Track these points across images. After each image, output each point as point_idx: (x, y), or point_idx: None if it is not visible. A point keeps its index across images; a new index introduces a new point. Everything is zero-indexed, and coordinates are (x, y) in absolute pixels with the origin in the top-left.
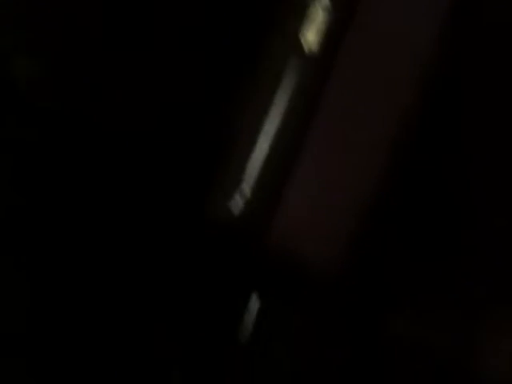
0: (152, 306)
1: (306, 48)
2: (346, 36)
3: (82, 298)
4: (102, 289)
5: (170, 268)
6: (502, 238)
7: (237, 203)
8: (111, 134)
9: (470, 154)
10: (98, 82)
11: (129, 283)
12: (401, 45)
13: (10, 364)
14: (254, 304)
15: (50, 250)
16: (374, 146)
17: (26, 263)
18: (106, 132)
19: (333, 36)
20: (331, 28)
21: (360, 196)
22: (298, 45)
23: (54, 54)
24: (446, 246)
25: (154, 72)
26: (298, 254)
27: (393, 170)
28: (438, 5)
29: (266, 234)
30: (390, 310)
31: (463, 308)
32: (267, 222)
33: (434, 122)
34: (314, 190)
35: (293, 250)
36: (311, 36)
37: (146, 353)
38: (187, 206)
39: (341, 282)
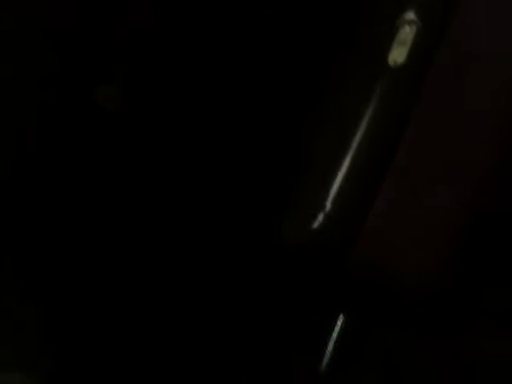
0: (232, 330)
1: (392, 64)
2: (435, 53)
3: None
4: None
5: (249, 290)
6: None
7: (319, 220)
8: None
9: None
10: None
11: (205, 305)
12: (492, 65)
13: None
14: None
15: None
16: (467, 165)
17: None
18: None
19: (421, 52)
20: (419, 44)
21: (450, 214)
22: (384, 60)
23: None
24: None
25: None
26: (384, 272)
27: (489, 189)
28: None
29: (350, 253)
30: (480, 328)
31: None
32: (352, 240)
33: None
34: (401, 207)
35: (379, 269)
36: (398, 52)
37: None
38: (266, 225)
39: (430, 300)
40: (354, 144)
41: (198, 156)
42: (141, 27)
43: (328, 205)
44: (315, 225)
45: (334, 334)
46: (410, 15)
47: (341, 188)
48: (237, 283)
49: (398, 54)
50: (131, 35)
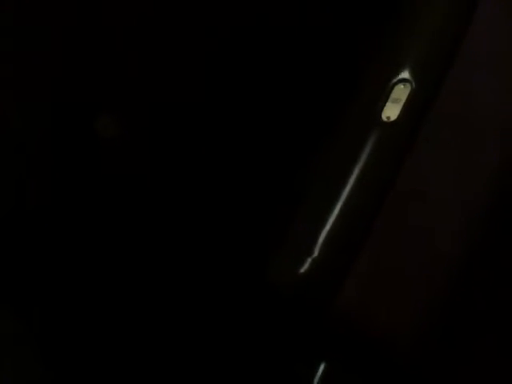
0: (214, 372)
1: (385, 120)
2: (428, 111)
3: None
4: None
5: (231, 333)
6: None
7: (305, 266)
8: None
9: None
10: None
11: (187, 347)
12: (488, 125)
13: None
14: (321, 373)
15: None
16: (452, 224)
17: None
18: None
19: (414, 110)
20: (412, 102)
21: (435, 269)
22: (377, 116)
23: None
24: None
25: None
26: (368, 322)
27: (471, 244)
28: None
29: (335, 300)
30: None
31: None
32: (337, 288)
33: None
34: (387, 258)
35: (363, 318)
36: (391, 109)
37: None
38: (250, 267)
39: (410, 355)
40: (345, 193)
41: (194, 188)
42: (140, 56)
43: (316, 251)
44: (302, 269)
45: (315, 382)
46: (405, 74)
47: (329, 235)
48: (220, 318)
49: (391, 111)
50: (131, 64)
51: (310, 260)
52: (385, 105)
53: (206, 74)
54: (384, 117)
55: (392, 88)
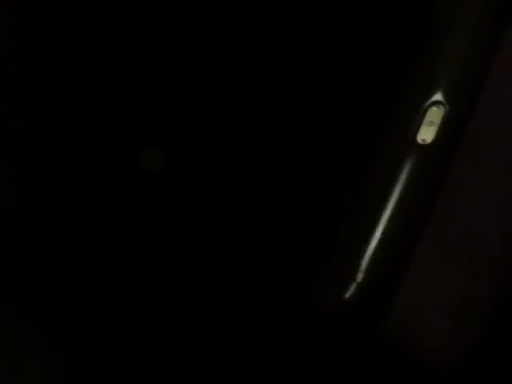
0: None
1: (421, 143)
2: (462, 132)
3: None
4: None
5: (275, 359)
6: None
7: (350, 291)
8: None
9: None
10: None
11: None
12: None
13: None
14: None
15: None
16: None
17: None
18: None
19: (449, 132)
20: (447, 124)
21: (477, 296)
22: (413, 139)
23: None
24: None
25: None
26: (412, 349)
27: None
28: None
29: (380, 326)
30: None
31: None
32: (382, 313)
33: None
34: (429, 282)
35: (407, 345)
36: (426, 132)
37: None
38: (295, 294)
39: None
40: (385, 217)
41: (234, 217)
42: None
43: (360, 276)
44: (347, 295)
45: None
46: (438, 96)
47: (372, 260)
48: (264, 346)
49: (426, 134)
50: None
51: (354, 285)
52: (419, 128)
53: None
54: (419, 140)
55: (426, 111)
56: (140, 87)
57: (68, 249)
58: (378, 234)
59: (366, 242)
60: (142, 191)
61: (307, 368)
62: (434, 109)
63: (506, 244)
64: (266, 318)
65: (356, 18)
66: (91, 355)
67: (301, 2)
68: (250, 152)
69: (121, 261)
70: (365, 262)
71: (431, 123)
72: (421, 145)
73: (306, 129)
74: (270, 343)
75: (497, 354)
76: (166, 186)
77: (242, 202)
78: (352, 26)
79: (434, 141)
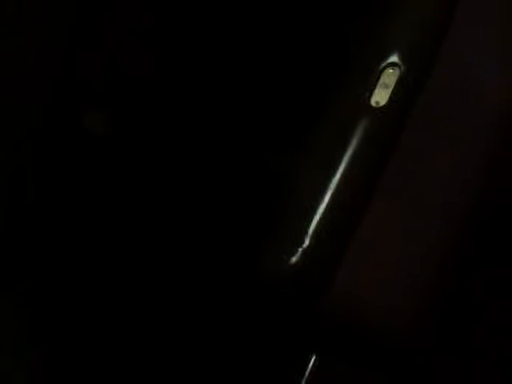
0: (204, 368)
1: (374, 105)
2: (418, 97)
3: None
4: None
5: (221, 326)
6: None
7: (296, 256)
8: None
9: None
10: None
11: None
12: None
13: None
14: (312, 366)
15: None
16: (444, 212)
17: None
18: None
19: (403, 95)
20: (402, 87)
21: (427, 257)
22: (366, 101)
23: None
24: None
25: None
26: (360, 312)
27: (466, 228)
28: None
29: (327, 291)
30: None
31: None
32: (329, 278)
33: None
34: (378, 247)
35: (355, 309)
36: (381, 94)
37: None
38: (241, 260)
39: (402, 344)
40: (335, 181)
41: (183, 182)
42: (137, 53)
43: (306, 241)
44: (293, 260)
45: (307, 374)
46: (394, 58)
47: (319, 225)
48: (211, 311)
49: (380, 96)
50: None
51: (300, 250)
52: (374, 90)
53: (204, 73)
54: (373, 102)
55: (381, 73)
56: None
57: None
58: (326, 197)
59: (315, 205)
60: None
61: (255, 334)
62: (390, 71)
63: (461, 203)
64: (213, 284)
65: None
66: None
67: None
68: (200, 111)
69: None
70: (312, 226)
71: (386, 85)
72: (374, 107)
73: (262, 83)
74: (217, 309)
75: (449, 318)
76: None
77: (189, 167)
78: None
79: (388, 103)
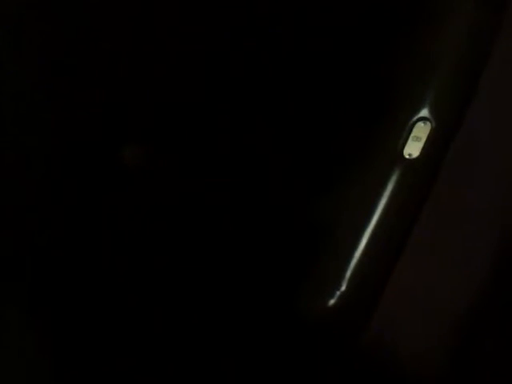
0: None
1: (407, 157)
2: (449, 147)
3: None
4: None
5: (256, 365)
6: None
7: (335, 299)
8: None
9: None
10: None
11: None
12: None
13: None
14: None
15: None
16: (476, 255)
17: None
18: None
19: (435, 148)
20: (433, 140)
21: (464, 304)
22: (400, 153)
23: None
24: None
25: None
26: (395, 355)
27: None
28: None
29: (362, 333)
30: None
31: None
32: (365, 321)
33: None
34: (416, 291)
35: (390, 351)
36: (413, 147)
37: None
38: (278, 299)
39: None
40: (370, 228)
41: (217, 221)
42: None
43: (344, 284)
44: (330, 303)
45: None
46: (425, 113)
47: (357, 269)
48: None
49: (412, 149)
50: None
51: (338, 294)
52: (406, 143)
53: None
54: (406, 154)
55: (413, 126)
56: (136, 86)
57: (69, 248)
58: (362, 244)
59: (351, 251)
60: (136, 193)
61: (291, 374)
62: (421, 125)
63: (481, 261)
64: (251, 322)
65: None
66: (91, 354)
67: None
68: (242, 155)
69: (113, 258)
70: (349, 271)
71: (418, 138)
72: (407, 159)
73: (296, 136)
74: (254, 346)
75: (479, 353)
76: (160, 184)
77: (232, 205)
78: (342, 31)
79: (421, 155)
